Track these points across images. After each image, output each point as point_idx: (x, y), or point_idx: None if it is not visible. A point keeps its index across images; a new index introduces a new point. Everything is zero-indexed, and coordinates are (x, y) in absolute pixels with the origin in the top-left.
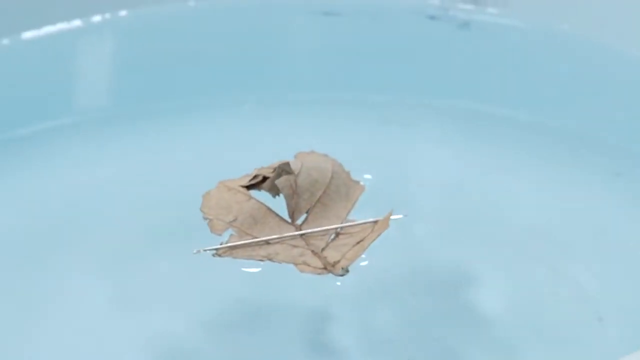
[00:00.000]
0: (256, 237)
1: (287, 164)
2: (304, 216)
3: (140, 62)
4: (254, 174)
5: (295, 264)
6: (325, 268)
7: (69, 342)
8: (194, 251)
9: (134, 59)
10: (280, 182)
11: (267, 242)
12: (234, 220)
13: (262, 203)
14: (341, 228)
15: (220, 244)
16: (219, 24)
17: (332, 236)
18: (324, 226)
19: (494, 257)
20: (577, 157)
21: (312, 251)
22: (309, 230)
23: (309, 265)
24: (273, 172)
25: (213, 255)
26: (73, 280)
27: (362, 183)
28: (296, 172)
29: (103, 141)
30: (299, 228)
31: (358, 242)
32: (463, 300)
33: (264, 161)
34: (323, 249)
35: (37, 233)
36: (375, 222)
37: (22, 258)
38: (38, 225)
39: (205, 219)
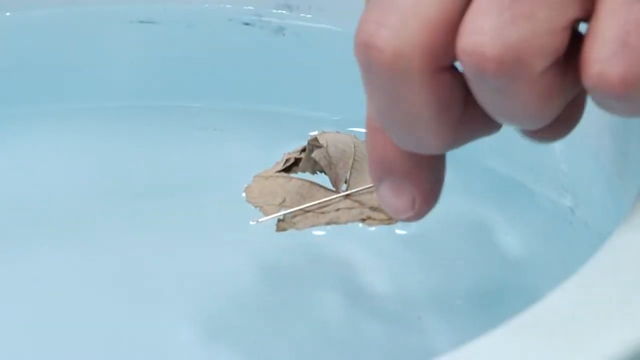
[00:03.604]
0: (302, 205)
1: (315, 139)
2: (344, 186)
3: None
4: (284, 159)
5: (362, 221)
6: (391, 218)
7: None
8: (252, 222)
9: None
10: (317, 155)
11: (323, 212)
12: (283, 201)
13: (304, 179)
14: None
15: (280, 219)
16: (36, 34)
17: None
18: None
19: None
20: None
21: (370, 207)
22: (356, 190)
23: (375, 219)
24: (300, 154)
25: (276, 230)
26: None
27: None
28: (325, 146)
29: None
30: (340, 195)
31: None
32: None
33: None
34: (379, 204)
35: None
36: None
37: None
38: None
39: (256, 207)
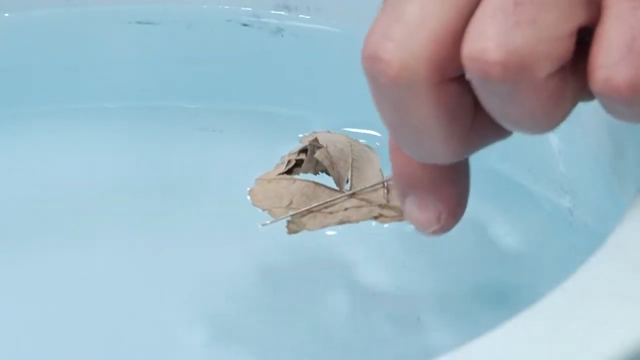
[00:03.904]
0: (309, 206)
1: (316, 139)
2: (347, 185)
3: None
4: (286, 161)
5: (374, 219)
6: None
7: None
8: (261, 225)
9: None
10: (319, 155)
11: (331, 212)
12: (290, 203)
13: (308, 180)
14: (388, 182)
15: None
16: (35, 34)
17: (385, 191)
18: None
19: None
20: None
21: (379, 205)
22: (361, 188)
23: (387, 217)
24: (299, 155)
25: (288, 233)
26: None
27: (372, 146)
28: (325, 146)
29: None
30: (346, 194)
31: None
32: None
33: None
34: (387, 202)
35: None
36: None
37: None
38: None
39: (263, 210)
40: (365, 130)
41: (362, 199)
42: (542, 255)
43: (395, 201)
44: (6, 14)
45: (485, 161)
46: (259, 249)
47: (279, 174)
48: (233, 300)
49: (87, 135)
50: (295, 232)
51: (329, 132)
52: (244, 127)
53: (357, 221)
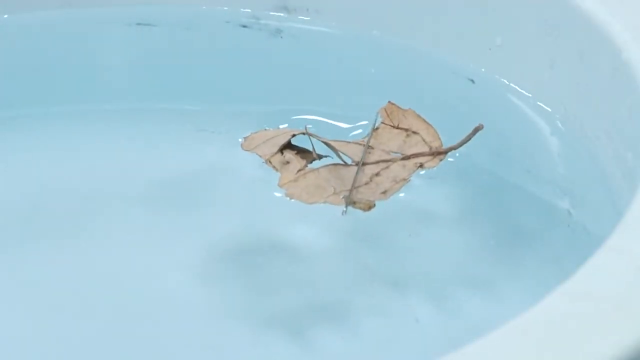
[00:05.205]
0: (350, 186)
1: (305, 131)
2: (347, 159)
3: None
4: (292, 160)
5: (420, 168)
6: (434, 153)
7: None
8: (343, 214)
9: None
10: (329, 141)
11: (366, 183)
12: (335, 189)
13: (326, 165)
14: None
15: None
16: (34, 36)
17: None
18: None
19: None
20: None
21: (403, 160)
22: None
23: (428, 162)
24: (282, 152)
25: (365, 211)
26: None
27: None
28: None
29: None
30: (361, 164)
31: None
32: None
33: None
34: (404, 152)
35: None
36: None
37: None
38: None
39: (324, 203)
40: (359, 132)
41: (379, 162)
42: (541, 256)
43: (385, 146)
44: (5, 15)
45: (484, 162)
46: (256, 249)
47: (299, 171)
48: (232, 304)
49: (87, 137)
50: (370, 208)
51: (266, 129)
52: (244, 128)
53: (408, 178)
